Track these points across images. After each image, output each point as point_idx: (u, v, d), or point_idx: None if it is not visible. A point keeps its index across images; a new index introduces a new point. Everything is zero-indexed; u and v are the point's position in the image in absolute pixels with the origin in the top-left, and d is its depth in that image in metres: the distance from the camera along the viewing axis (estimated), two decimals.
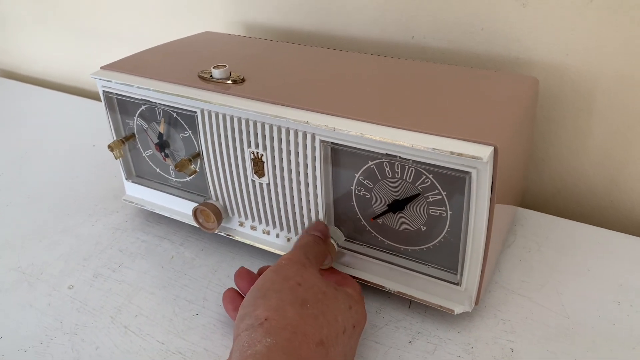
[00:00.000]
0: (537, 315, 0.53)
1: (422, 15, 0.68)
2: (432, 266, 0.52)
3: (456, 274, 0.50)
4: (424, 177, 0.47)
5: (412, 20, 0.69)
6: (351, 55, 0.65)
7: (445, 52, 0.69)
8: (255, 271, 0.56)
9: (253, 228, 0.61)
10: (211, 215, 0.60)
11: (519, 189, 0.62)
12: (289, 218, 0.57)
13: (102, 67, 0.62)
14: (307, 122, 0.49)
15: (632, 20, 0.57)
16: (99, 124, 0.95)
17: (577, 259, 0.60)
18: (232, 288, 0.54)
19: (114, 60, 0.63)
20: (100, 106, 1.02)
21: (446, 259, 0.51)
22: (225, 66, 0.57)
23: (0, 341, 0.53)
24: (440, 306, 0.51)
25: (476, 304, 0.51)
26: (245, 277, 0.53)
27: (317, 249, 0.52)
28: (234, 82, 0.56)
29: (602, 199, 0.69)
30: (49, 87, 1.17)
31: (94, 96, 1.11)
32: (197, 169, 0.60)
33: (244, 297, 0.52)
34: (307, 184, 0.53)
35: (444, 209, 0.48)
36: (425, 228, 0.50)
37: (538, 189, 0.72)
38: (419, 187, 0.48)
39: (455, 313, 0.51)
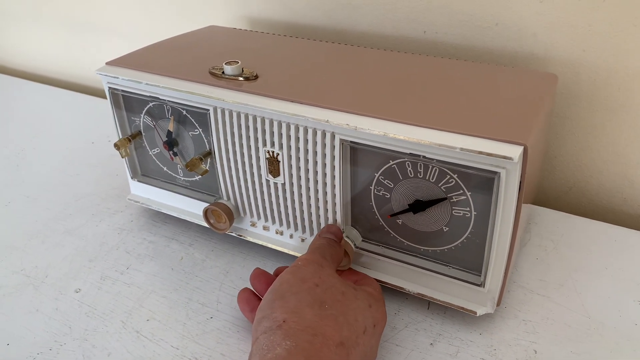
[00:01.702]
0: (557, 315, 0.52)
1: (434, 10, 0.67)
2: (453, 267, 0.51)
3: (479, 275, 0.49)
4: (449, 177, 0.46)
5: (424, 14, 0.68)
6: (364, 50, 0.63)
7: (458, 47, 0.68)
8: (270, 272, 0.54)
9: (266, 228, 0.59)
10: (223, 216, 0.58)
11: (536, 187, 0.62)
12: (304, 218, 0.55)
13: (107, 63, 0.60)
14: (327, 121, 0.47)
15: None
16: (97, 121, 0.93)
17: (594, 258, 0.59)
18: (247, 288, 0.53)
19: (110, 54, 0.62)
20: (98, 102, 1.01)
21: (469, 260, 0.50)
22: (238, 62, 0.55)
23: (7, 348, 0.51)
24: (462, 308, 0.50)
25: (497, 304, 0.50)
26: (262, 278, 0.52)
27: (333, 251, 0.51)
28: (247, 78, 0.55)
29: (614, 196, 0.68)
30: (44, 82, 1.14)
31: (91, 91, 1.09)
32: (208, 168, 0.58)
33: (260, 298, 0.51)
34: (324, 184, 0.52)
35: (468, 209, 0.47)
36: (447, 229, 0.49)
37: (550, 186, 0.72)
38: (442, 188, 0.47)
39: (478, 315, 0.50)
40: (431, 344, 0.50)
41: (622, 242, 0.61)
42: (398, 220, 0.51)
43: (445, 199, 0.47)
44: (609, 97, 0.62)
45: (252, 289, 0.52)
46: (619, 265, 0.58)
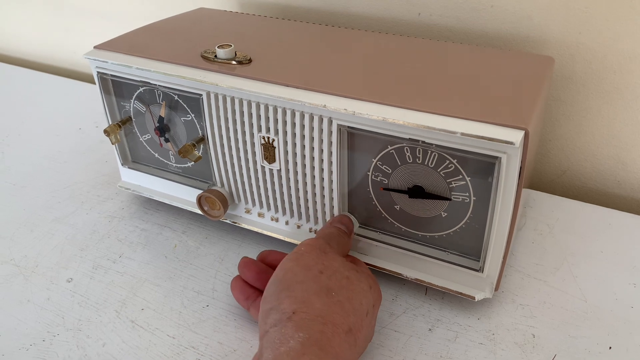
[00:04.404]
0: (554, 299, 0.52)
1: None
2: (451, 253, 0.50)
3: (478, 260, 0.49)
4: (448, 162, 0.45)
5: None
6: (358, 33, 0.62)
7: (453, 30, 0.67)
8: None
9: (261, 215, 0.59)
10: (217, 203, 0.57)
11: (532, 171, 0.62)
12: (300, 205, 0.55)
13: (95, 47, 0.58)
14: (325, 106, 0.47)
15: None
16: (83, 106, 0.91)
17: (589, 241, 0.59)
18: (239, 276, 0.52)
19: (96, 37, 0.60)
20: (84, 86, 0.99)
21: (467, 246, 0.49)
22: (231, 46, 0.54)
23: None
24: (460, 293, 0.50)
25: (496, 289, 0.50)
26: (252, 267, 0.51)
27: (341, 240, 0.50)
28: (240, 62, 0.53)
29: (608, 179, 0.68)
30: (27, 67, 1.11)
31: (75, 75, 1.07)
32: (201, 155, 0.57)
33: (252, 286, 0.50)
34: (321, 170, 0.51)
35: (467, 194, 0.46)
36: (446, 214, 0.48)
37: (544, 169, 0.72)
38: (441, 173, 0.46)
39: (476, 300, 0.50)
40: (430, 329, 0.50)
41: (616, 225, 0.61)
42: (396, 206, 0.51)
43: (448, 199, 0.46)
44: (604, 80, 0.62)
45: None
46: (614, 248, 0.58)
